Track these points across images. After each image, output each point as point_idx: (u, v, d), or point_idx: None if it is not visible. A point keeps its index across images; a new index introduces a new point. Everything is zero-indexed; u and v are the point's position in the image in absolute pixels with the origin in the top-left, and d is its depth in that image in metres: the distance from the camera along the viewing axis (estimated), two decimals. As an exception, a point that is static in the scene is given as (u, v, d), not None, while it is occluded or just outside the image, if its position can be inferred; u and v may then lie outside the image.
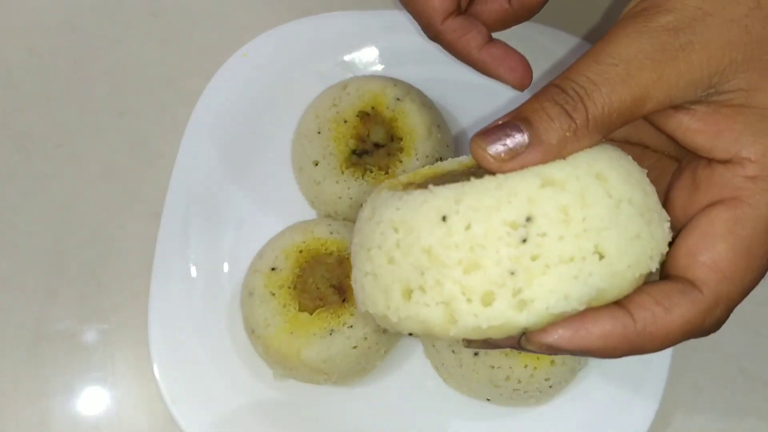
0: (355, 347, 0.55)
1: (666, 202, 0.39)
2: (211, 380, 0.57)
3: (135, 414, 0.58)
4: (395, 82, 0.60)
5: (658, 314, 0.34)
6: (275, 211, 0.61)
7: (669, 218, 0.36)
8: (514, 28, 0.51)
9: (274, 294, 0.55)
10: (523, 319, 0.32)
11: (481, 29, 0.48)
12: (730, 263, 0.35)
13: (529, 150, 0.33)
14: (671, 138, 0.37)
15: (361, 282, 0.36)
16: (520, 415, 0.57)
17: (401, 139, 0.59)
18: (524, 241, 0.32)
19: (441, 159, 0.57)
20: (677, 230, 0.37)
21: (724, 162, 0.36)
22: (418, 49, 0.62)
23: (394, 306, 0.34)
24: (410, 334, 0.35)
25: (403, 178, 0.39)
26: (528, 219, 0.32)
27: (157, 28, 0.65)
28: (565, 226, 0.32)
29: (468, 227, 0.32)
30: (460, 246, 0.32)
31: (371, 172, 0.58)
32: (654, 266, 0.34)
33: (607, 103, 0.34)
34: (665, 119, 0.37)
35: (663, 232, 0.35)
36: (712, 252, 0.35)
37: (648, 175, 0.37)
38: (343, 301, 0.55)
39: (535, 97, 0.34)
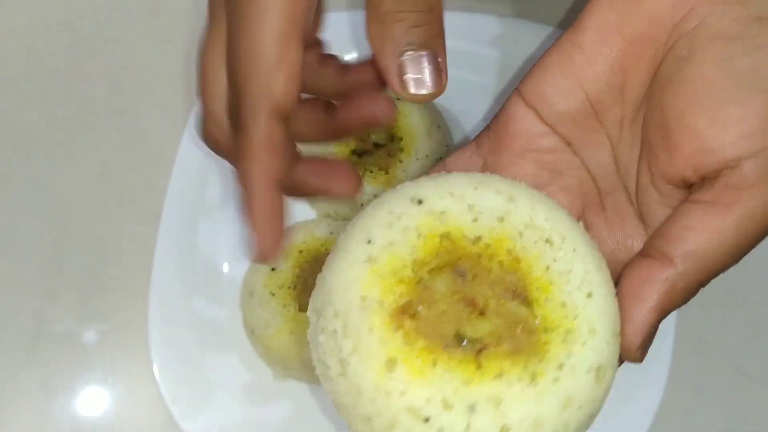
0: (355, 347, 0.54)
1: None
2: (211, 380, 0.57)
3: (135, 414, 0.58)
4: (395, 81, 0.60)
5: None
6: (275, 211, 0.61)
7: None
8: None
9: (274, 294, 0.55)
10: None
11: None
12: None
13: None
14: None
15: None
16: (520, 416, 0.57)
17: (401, 139, 0.58)
18: None
19: (441, 159, 0.57)
20: None
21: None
22: (418, 48, 0.62)
23: None
24: None
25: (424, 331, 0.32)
26: None
27: (156, 28, 0.65)
28: None
29: None
30: None
31: (371, 172, 0.58)
32: None
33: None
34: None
35: None
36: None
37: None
38: (343, 301, 0.55)
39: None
